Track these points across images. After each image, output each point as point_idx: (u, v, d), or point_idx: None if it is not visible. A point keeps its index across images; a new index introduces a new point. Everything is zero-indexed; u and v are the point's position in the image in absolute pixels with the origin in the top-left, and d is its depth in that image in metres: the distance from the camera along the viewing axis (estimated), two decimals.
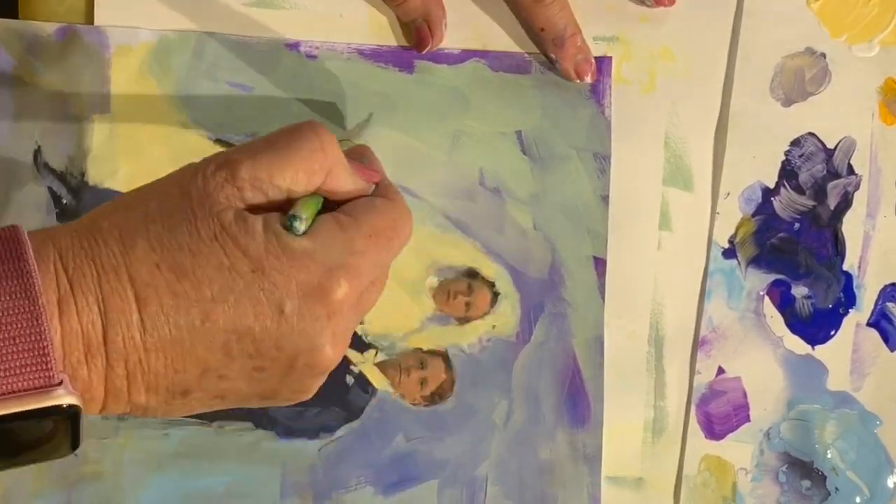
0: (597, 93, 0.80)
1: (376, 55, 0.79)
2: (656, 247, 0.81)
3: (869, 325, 0.83)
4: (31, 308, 0.47)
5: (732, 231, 0.82)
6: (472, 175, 0.80)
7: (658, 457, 0.82)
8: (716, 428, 0.82)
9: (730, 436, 0.82)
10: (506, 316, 0.80)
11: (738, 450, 0.83)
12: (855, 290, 0.83)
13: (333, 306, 0.53)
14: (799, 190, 0.82)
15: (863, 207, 0.83)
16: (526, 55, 0.80)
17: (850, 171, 0.82)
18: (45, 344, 0.47)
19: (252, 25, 0.78)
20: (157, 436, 0.78)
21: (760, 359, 0.83)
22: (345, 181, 0.57)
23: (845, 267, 0.83)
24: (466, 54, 0.79)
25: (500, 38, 0.80)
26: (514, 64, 0.80)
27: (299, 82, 0.78)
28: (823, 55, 0.82)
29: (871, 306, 0.83)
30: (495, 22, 0.80)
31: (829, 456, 0.83)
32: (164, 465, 0.77)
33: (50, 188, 0.77)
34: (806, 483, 0.83)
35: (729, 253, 0.82)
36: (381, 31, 0.79)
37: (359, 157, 0.63)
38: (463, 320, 0.80)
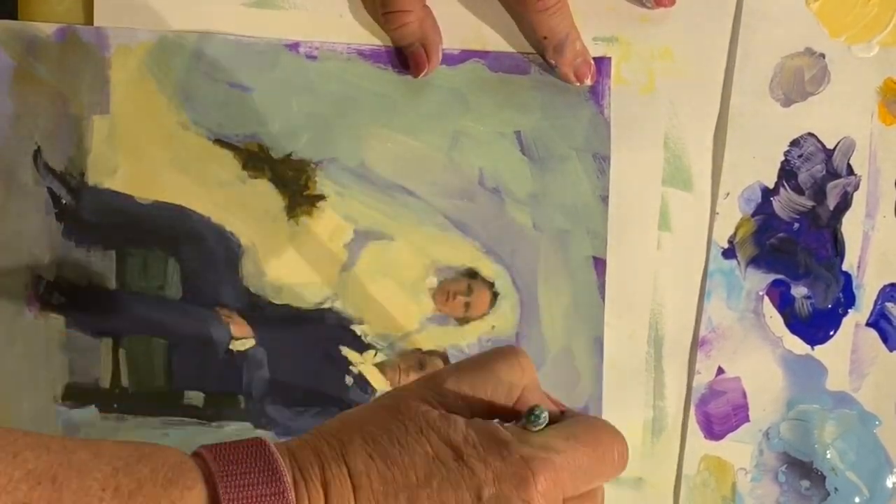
0: (596, 94, 0.81)
1: (376, 56, 0.80)
2: (656, 247, 0.82)
3: (868, 325, 0.84)
4: (283, 498, 0.52)
5: (732, 231, 0.82)
6: (472, 175, 0.80)
7: (657, 457, 0.83)
8: (715, 428, 0.83)
9: (729, 436, 0.83)
10: (505, 316, 0.81)
11: (738, 450, 0.83)
12: (854, 290, 0.84)
13: (530, 494, 0.55)
14: (798, 190, 0.83)
15: (862, 208, 0.83)
16: (525, 56, 0.81)
17: (850, 171, 0.83)
18: None
19: (252, 25, 0.79)
20: (157, 435, 0.79)
21: (760, 359, 0.83)
22: (539, 398, 0.61)
23: (845, 267, 0.83)
24: (466, 55, 0.80)
25: (500, 38, 0.81)
26: (513, 64, 0.80)
27: (299, 83, 0.79)
28: (823, 55, 0.82)
29: (871, 306, 0.84)
30: (494, 23, 0.80)
31: (828, 456, 0.83)
32: None
33: (49, 188, 0.78)
34: (805, 483, 0.84)
35: (728, 253, 0.82)
36: (381, 32, 0.80)
37: None
38: (462, 320, 0.81)
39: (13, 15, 0.78)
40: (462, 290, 0.81)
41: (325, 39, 0.79)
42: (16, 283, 0.78)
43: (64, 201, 0.78)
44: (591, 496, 0.60)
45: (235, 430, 0.79)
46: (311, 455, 0.54)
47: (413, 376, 0.80)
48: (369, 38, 0.80)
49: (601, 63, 0.81)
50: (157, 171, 0.78)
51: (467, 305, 0.81)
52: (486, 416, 0.59)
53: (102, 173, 0.78)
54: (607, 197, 0.81)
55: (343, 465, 0.54)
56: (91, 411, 0.79)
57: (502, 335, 0.81)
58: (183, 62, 0.78)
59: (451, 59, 0.80)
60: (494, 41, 0.80)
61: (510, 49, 0.81)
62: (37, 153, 0.78)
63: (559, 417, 0.60)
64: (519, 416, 0.59)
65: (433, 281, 0.80)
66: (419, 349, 0.81)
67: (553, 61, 0.79)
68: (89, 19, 0.78)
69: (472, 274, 0.81)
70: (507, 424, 0.58)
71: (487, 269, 0.81)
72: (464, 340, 0.81)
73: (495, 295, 0.81)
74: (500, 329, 0.81)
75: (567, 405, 0.64)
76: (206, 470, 0.52)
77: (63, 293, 0.79)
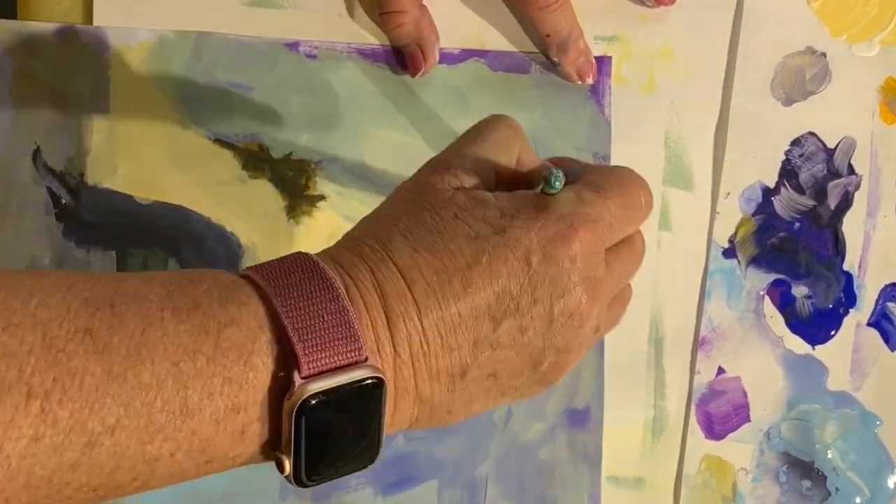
0: (596, 93, 0.81)
1: (376, 55, 0.80)
2: (656, 247, 0.82)
3: (869, 324, 0.84)
4: (338, 302, 0.52)
5: (733, 231, 0.83)
6: None
7: (658, 456, 0.83)
8: (716, 428, 0.83)
9: (730, 436, 0.83)
10: None
11: (738, 450, 0.83)
12: (855, 289, 0.84)
13: (574, 250, 0.56)
14: (799, 189, 0.83)
15: (863, 207, 0.84)
16: (525, 55, 0.81)
17: (851, 170, 0.83)
18: (353, 327, 0.52)
19: (252, 25, 0.79)
20: None
21: (760, 359, 0.83)
22: (534, 155, 0.63)
23: (845, 267, 0.84)
24: (466, 54, 0.81)
25: (500, 37, 0.81)
26: (513, 63, 0.81)
27: (299, 82, 0.79)
28: (824, 54, 0.83)
29: (872, 306, 0.84)
30: (495, 22, 0.81)
31: (829, 456, 0.84)
32: None
33: (49, 188, 0.78)
34: (806, 483, 0.84)
35: (729, 253, 0.83)
36: (380, 31, 0.80)
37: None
38: None
39: (12, 14, 0.78)
40: None
41: (324, 39, 0.79)
42: None
43: (64, 201, 0.78)
44: (629, 242, 0.62)
45: None
46: (356, 260, 0.55)
47: None
48: (369, 37, 0.80)
49: (602, 62, 0.81)
50: (157, 171, 0.78)
51: None
52: (493, 185, 0.60)
53: (102, 173, 0.78)
54: None
55: (391, 264, 0.54)
56: None
57: None
58: (182, 62, 0.79)
59: (451, 59, 0.80)
60: (494, 40, 0.81)
61: (510, 48, 0.81)
62: (36, 153, 0.78)
63: (570, 171, 0.61)
64: (524, 178, 0.61)
65: None
66: None
67: (556, 59, 0.80)
68: (88, 19, 0.78)
69: None
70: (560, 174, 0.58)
71: None
72: None
73: None
74: None
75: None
76: (258, 287, 0.52)
77: None
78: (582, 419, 0.81)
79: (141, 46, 0.78)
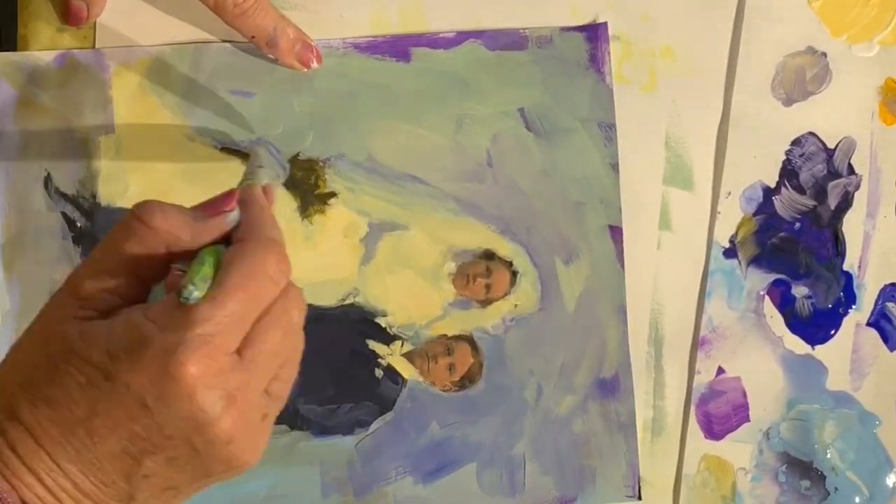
0: (595, 61, 0.82)
1: (372, 47, 0.81)
2: (656, 246, 0.83)
3: (869, 325, 0.85)
4: None
5: (733, 230, 0.83)
6: (480, 157, 0.82)
7: (657, 456, 0.84)
8: (715, 428, 0.84)
9: (729, 436, 0.84)
10: (527, 294, 0.82)
11: (738, 450, 0.84)
12: (855, 289, 0.85)
13: (189, 385, 0.54)
14: (799, 189, 0.84)
15: (863, 207, 0.84)
16: (521, 31, 0.81)
17: (851, 170, 0.84)
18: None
19: None
20: None
21: (760, 359, 0.84)
22: (189, 239, 0.59)
23: (845, 267, 0.84)
24: (461, 36, 0.81)
25: (493, 14, 0.82)
26: (509, 41, 0.82)
27: (299, 83, 0.80)
28: (824, 54, 0.83)
29: (871, 306, 0.85)
30: (488, 1, 0.81)
31: (828, 456, 0.84)
32: None
33: (63, 213, 0.79)
34: (805, 483, 0.85)
35: (730, 252, 0.83)
36: (379, 25, 0.81)
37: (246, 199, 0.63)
38: (484, 302, 0.82)
39: (12, 45, 0.79)
40: (481, 272, 0.82)
41: (323, 37, 0.80)
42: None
43: (79, 224, 0.79)
44: (274, 313, 0.58)
45: (272, 433, 0.79)
46: None
47: (442, 363, 0.81)
48: (363, 30, 0.81)
49: (597, 28, 0.82)
50: (167, 184, 0.79)
51: (488, 287, 0.82)
52: (139, 286, 0.58)
53: (114, 192, 0.79)
54: (617, 164, 0.82)
55: (17, 423, 0.54)
56: None
57: (525, 313, 0.82)
58: (182, 74, 0.79)
59: (447, 43, 0.81)
60: (488, 18, 0.81)
61: (506, 23, 0.81)
62: (47, 179, 0.79)
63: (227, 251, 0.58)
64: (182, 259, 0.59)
65: (452, 266, 0.82)
66: (445, 335, 0.82)
67: (272, 56, 0.79)
68: (91, 43, 0.80)
69: (489, 255, 0.82)
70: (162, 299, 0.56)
71: (504, 249, 0.82)
72: (488, 322, 0.82)
73: (514, 274, 0.82)
74: (523, 307, 0.82)
75: None
76: None
77: None
78: (612, 388, 0.82)
79: (140, 64, 0.79)
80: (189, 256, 0.58)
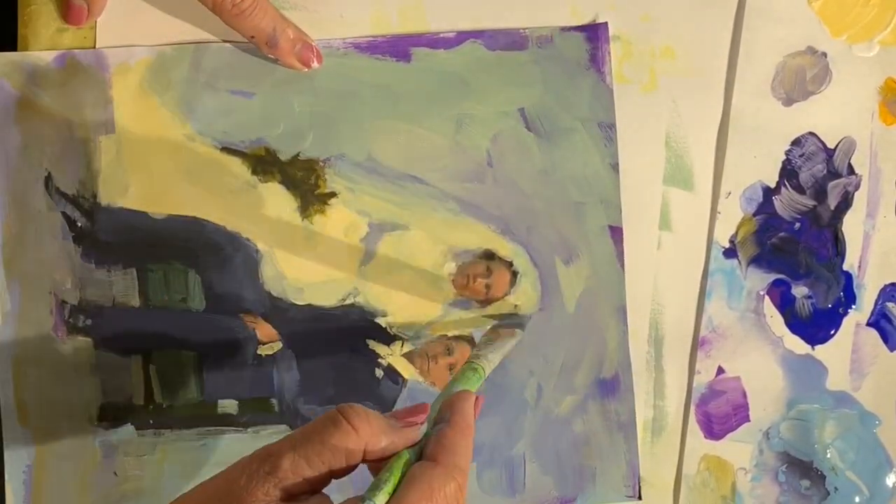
0: (595, 61, 0.82)
1: (372, 47, 0.81)
2: (656, 246, 0.83)
3: (869, 324, 0.85)
4: None
5: (733, 230, 0.84)
6: (480, 157, 0.82)
7: (657, 456, 0.84)
8: (715, 428, 0.84)
9: (729, 435, 0.85)
10: (527, 294, 0.83)
11: (738, 449, 0.85)
12: (855, 289, 0.85)
13: None
14: (799, 189, 0.84)
15: (863, 207, 0.85)
16: (521, 31, 0.82)
17: (851, 170, 0.84)
18: None
19: None
20: (195, 447, 0.81)
21: (760, 358, 0.85)
22: (385, 445, 0.62)
23: (845, 267, 0.85)
24: (462, 36, 0.82)
25: (493, 14, 0.82)
26: (510, 41, 0.82)
27: (299, 83, 0.81)
28: (824, 54, 0.84)
29: (871, 306, 0.85)
30: (487, 1, 0.82)
31: (828, 456, 0.85)
32: (204, 475, 0.76)
33: (64, 213, 0.80)
34: (805, 483, 0.85)
35: (730, 252, 0.84)
36: (379, 25, 0.81)
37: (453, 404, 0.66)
38: (484, 302, 0.83)
39: (12, 45, 0.80)
40: (481, 272, 0.82)
41: (323, 37, 0.81)
42: (41, 310, 0.80)
43: (79, 224, 0.80)
44: None
45: (272, 433, 0.81)
46: None
47: (442, 363, 0.82)
48: (364, 30, 0.81)
49: (597, 28, 0.82)
50: (167, 185, 0.80)
51: (488, 287, 0.82)
52: (328, 478, 0.60)
53: (114, 192, 0.80)
54: (617, 164, 0.82)
55: None
56: (128, 430, 0.81)
57: (526, 313, 0.82)
58: (182, 74, 0.80)
59: (447, 43, 0.81)
60: (490, 19, 0.82)
61: (507, 23, 0.82)
62: (48, 179, 0.80)
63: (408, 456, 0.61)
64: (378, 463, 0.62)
65: (452, 266, 0.82)
66: (445, 335, 0.82)
67: (272, 56, 0.80)
68: (91, 43, 0.80)
69: (489, 255, 0.82)
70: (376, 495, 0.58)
71: (504, 248, 0.82)
72: (488, 322, 0.82)
73: (515, 274, 0.82)
74: (523, 307, 0.83)
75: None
76: None
77: (88, 315, 0.80)
78: (612, 388, 0.83)
79: (140, 64, 0.80)
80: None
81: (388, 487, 0.59)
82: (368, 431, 0.61)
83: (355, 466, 0.62)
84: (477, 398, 0.66)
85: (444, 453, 0.62)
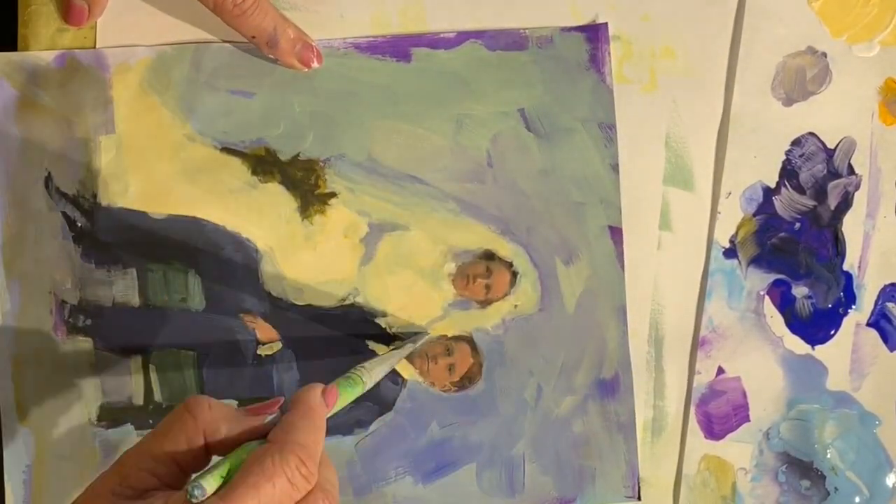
0: (596, 61, 0.83)
1: (372, 47, 0.82)
2: (656, 246, 0.84)
3: (869, 325, 0.86)
4: None
5: (734, 231, 0.84)
6: (480, 157, 0.82)
7: (657, 456, 0.85)
8: (715, 428, 0.85)
9: (729, 436, 0.85)
10: (527, 294, 0.83)
11: (738, 449, 0.85)
12: (855, 290, 0.85)
13: None
14: (799, 190, 0.84)
15: (863, 207, 0.85)
16: (521, 31, 0.82)
17: (851, 171, 0.85)
18: None
19: None
20: None
21: (760, 359, 0.85)
22: (225, 433, 0.62)
23: (845, 267, 0.85)
24: (462, 36, 0.82)
25: (493, 14, 0.82)
26: (510, 41, 0.82)
27: (299, 83, 0.81)
28: (824, 54, 0.84)
29: (871, 306, 0.86)
30: (488, 1, 0.82)
31: (828, 456, 0.85)
32: None
33: (64, 213, 0.80)
34: (805, 483, 0.85)
35: (730, 253, 0.84)
36: (380, 25, 0.82)
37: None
38: (484, 303, 0.83)
39: (12, 45, 0.80)
40: (481, 272, 0.83)
41: (323, 37, 0.81)
42: (41, 309, 0.81)
43: (79, 224, 0.80)
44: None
45: None
46: None
47: (441, 363, 0.82)
48: (364, 30, 0.82)
49: (597, 28, 0.82)
50: (167, 185, 0.80)
51: (488, 287, 0.83)
52: (178, 472, 0.61)
53: (114, 192, 0.80)
54: (617, 164, 0.82)
55: None
56: (127, 430, 0.81)
57: (525, 313, 0.83)
58: (182, 74, 0.81)
59: (447, 43, 0.82)
60: (490, 19, 0.82)
61: (507, 23, 0.82)
62: (48, 179, 0.80)
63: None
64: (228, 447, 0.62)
65: (451, 267, 0.82)
66: (444, 335, 0.83)
67: (272, 56, 0.80)
68: (91, 44, 0.81)
69: (489, 256, 0.83)
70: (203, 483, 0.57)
71: (504, 249, 0.83)
72: (488, 322, 0.83)
73: (514, 274, 0.83)
74: (523, 308, 0.83)
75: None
76: None
77: (88, 315, 0.81)
78: (612, 388, 0.83)
79: (140, 63, 0.80)
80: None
81: (221, 471, 0.58)
82: (208, 418, 0.62)
83: (204, 458, 0.62)
84: (325, 389, 0.66)
85: (280, 432, 0.61)
